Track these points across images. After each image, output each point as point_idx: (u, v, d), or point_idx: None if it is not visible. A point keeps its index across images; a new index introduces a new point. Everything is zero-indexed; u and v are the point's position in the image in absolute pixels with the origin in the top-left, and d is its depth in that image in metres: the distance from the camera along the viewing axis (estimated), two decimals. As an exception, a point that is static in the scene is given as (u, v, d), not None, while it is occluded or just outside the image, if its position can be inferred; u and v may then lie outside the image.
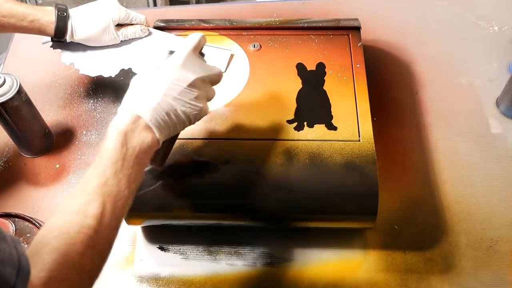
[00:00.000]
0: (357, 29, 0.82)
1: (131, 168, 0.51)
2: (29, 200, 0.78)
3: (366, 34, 0.87)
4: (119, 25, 0.81)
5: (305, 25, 0.84)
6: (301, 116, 0.71)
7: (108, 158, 0.50)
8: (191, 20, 0.86)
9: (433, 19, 1.00)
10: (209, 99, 0.60)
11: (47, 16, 0.76)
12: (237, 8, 1.08)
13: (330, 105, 0.72)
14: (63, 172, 0.81)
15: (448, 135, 0.82)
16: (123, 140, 0.51)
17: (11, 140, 0.82)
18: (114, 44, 0.82)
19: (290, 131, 0.70)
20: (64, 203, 0.48)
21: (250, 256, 0.71)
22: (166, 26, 0.85)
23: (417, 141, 0.82)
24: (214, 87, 0.61)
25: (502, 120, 0.84)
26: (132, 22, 0.81)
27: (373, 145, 0.67)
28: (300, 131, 0.70)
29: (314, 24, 0.84)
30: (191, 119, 0.57)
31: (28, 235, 0.70)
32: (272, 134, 0.69)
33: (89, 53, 0.82)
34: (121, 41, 0.82)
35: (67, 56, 0.82)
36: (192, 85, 0.56)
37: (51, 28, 0.76)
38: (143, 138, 0.52)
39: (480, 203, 0.74)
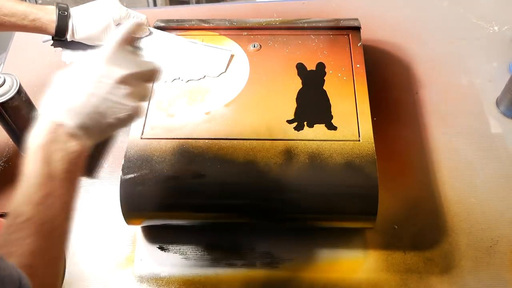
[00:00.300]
0: (357, 29, 0.82)
1: (62, 187, 0.45)
2: (29, 200, 0.78)
3: (366, 34, 0.87)
4: (120, 25, 0.81)
5: (305, 25, 0.84)
6: (301, 116, 0.71)
7: (32, 183, 0.44)
8: (191, 20, 0.86)
9: (433, 19, 1.00)
10: (143, 98, 0.53)
11: (48, 15, 0.76)
12: (237, 8, 1.08)
13: (330, 105, 0.72)
14: (63, 172, 0.81)
15: (448, 135, 0.82)
16: (45, 155, 0.44)
17: (11, 140, 0.82)
18: None
19: (290, 131, 0.70)
20: None
21: (250, 256, 0.71)
22: (166, 26, 0.85)
23: (417, 141, 0.82)
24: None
25: (502, 120, 0.84)
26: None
27: (373, 145, 0.67)
28: (300, 131, 0.70)
29: (314, 24, 0.84)
30: (121, 121, 0.50)
31: (28, 235, 0.70)
32: (272, 134, 0.69)
33: (90, 52, 0.82)
34: None
35: (67, 55, 0.83)
36: (121, 81, 0.49)
37: (52, 27, 0.77)
38: (69, 148, 0.46)
39: (480, 203, 0.74)
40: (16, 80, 0.74)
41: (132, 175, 0.67)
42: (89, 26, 0.78)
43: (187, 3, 1.88)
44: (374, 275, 0.69)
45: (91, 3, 0.81)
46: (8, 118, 0.75)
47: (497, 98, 0.86)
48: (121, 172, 0.67)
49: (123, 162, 0.68)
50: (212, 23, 0.85)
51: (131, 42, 0.53)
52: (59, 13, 0.76)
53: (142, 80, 0.52)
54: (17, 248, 0.41)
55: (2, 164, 0.83)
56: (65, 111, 0.47)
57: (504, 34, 0.97)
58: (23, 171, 0.45)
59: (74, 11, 0.78)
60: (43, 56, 0.98)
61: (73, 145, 0.46)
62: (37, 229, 0.42)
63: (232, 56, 0.80)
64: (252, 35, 0.83)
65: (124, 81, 0.50)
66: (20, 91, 0.74)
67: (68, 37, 0.78)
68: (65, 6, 0.78)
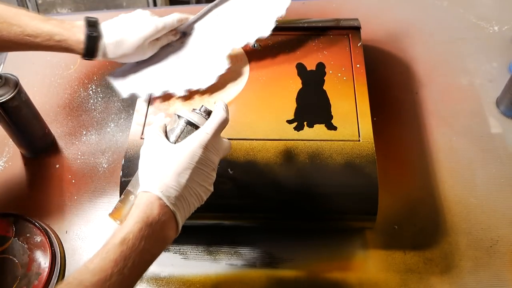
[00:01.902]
0: (357, 29, 0.82)
1: (141, 265, 0.48)
2: (29, 200, 0.78)
3: (366, 34, 0.87)
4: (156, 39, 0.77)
5: (305, 25, 0.84)
6: (301, 116, 0.71)
7: (123, 251, 0.46)
8: (191, 20, 0.86)
9: (433, 19, 1.00)
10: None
11: (76, 35, 0.70)
12: (237, 8, 1.07)
13: (330, 105, 0.72)
14: (63, 172, 0.81)
15: (448, 135, 0.82)
16: (147, 233, 0.48)
17: (11, 140, 0.82)
18: (154, 60, 0.78)
19: (290, 131, 0.70)
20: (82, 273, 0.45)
21: (250, 256, 0.71)
22: (166, 26, 0.85)
23: (417, 141, 0.82)
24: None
25: (502, 120, 0.84)
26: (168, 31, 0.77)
27: (373, 145, 0.67)
28: (300, 131, 0.70)
29: (314, 24, 0.84)
30: (202, 203, 0.55)
31: (28, 235, 0.70)
32: (272, 134, 0.69)
33: (140, 75, 0.77)
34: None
35: (124, 90, 0.78)
36: (213, 169, 0.54)
37: (80, 48, 0.70)
38: (167, 231, 0.50)
39: (480, 203, 0.74)
40: (16, 80, 0.74)
41: (132, 175, 0.66)
42: (122, 46, 0.72)
43: (187, 3, 1.88)
44: (374, 275, 0.69)
45: (122, 18, 0.74)
46: (8, 118, 0.75)
47: (497, 98, 0.86)
48: (121, 172, 0.67)
49: (123, 162, 0.68)
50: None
51: (223, 128, 0.56)
52: (87, 34, 0.70)
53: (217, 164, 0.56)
54: None
55: (2, 164, 0.84)
56: (172, 193, 0.50)
57: (504, 34, 0.97)
58: (119, 233, 0.47)
59: (104, 28, 0.71)
60: (43, 56, 0.98)
61: (172, 229, 0.51)
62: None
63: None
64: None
65: (215, 167, 0.54)
66: (20, 91, 0.74)
67: (99, 58, 0.73)
68: (94, 22, 0.71)
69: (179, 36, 0.80)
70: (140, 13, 0.75)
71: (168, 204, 0.49)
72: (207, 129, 0.54)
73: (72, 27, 0.70)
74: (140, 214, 0.48)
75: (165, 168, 0.51)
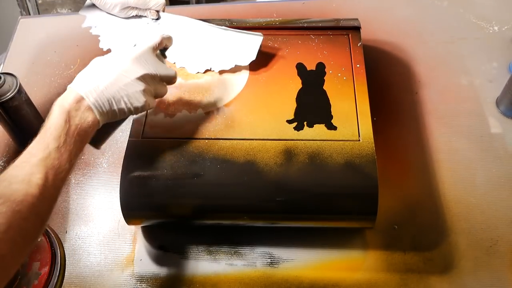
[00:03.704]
0: (357, 29, 0.82)
1: (73, 144, 0.55)
2: (29, 200, 0.78)
3: (366, 34, 0.87)
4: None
5: (305, 25, 0.84)
6: (301, 116, 0.71)
7: (51, 133, 0.54)
8: (191, 20, 0.86)
9: (433, 19, 1.00)
10: (158, 95, 0.65)
11: None
12: (237, 8, 1.08)
13: (330, 105, 0.72)
14: (63, 172, 0.81)
15: (448, 135, 0.82)
16: (67, 117, 0.55)
17: (11, 140, 0.82)
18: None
19: (290, 131, 0.70)
20: (8, 172, 0.51)
21: (250, 256, 0.71)
22: (166, 26, 0.85)
23: (417, 141, 0.82)
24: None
25: (502, 120, 0.84)
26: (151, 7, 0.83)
27: (373, 145, 0.67)
28: (300, 131, 0.70)
29: (314, 24, 0.84)
30: (132, 110, 0.61)
31: (28, 235, 0.70)
32: (272, 134, 0.69)
33: (125, 47, 0.80)
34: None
35: (105, 42, 0.83)
36: (140, 78, 0.61)
37: None
38: (85, 118, 0.57)
39: (480, 203, 0.74)
40: (16, 80, 0.74)
41: (132, 175, 0.67)
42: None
43: (187, 3, 1.88)
44: (374, 275, 0.69)
45: None
46: (8, 118, 0.75)
47: (497, 98, 0.86)
48: (121, 172, 0.67)
49: (123, 162, 0.68)
50: (213, 23, 0.85)
51: (160, 47, 0.66)
52: None
53: (159, 81, 0.65)
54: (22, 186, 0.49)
55: (2, 164, 0.83)
56: (90, 90, 0.58)
57: (504, 34, 0.97)
58: (46, 123, 0.56)
59: None
60: (43, 56, 0.98)
61: (89, 116, 0.57)
62: (46, 170, 0.51)
63: (261, 40, 0.78)
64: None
65: (142, 78, 0.61)
66: (20, 91, 0.74)
67: None
68: None
69: (156, 16, 0.85)
70: None
71: (84, 97, 0.57)
72: (138, 46, 0.63)
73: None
74: (58, 104, 0.57)
75: (92, 73, 0.60)
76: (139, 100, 0.61)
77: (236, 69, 0.78)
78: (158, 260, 0.72)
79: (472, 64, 0.92)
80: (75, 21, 1.08)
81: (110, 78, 0.59)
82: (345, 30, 0.82)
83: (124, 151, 0.69)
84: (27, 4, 1.81)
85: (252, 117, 0.72)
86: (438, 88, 0.89)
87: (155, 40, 0.65)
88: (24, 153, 0.53)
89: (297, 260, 0.71)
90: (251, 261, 0.71)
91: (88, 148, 0.83)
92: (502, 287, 0.67)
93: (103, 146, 0.83)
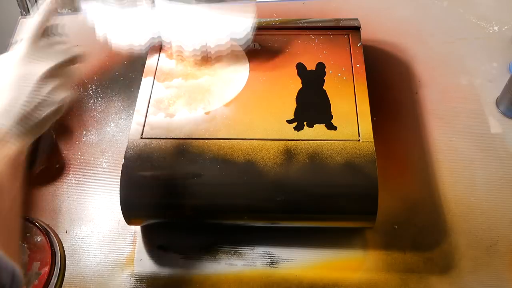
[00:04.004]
0: (357, 29, 0.82)
1: (4, 195, 0.43)
2: (29, 200, 0.78)
3: (366, 34, 0.87)
4: None
5: (305, 25, 0.84)
6: (301, 116, 0.71)
7: None
8: (191, 20, 0.86)
9: (433, 19, 1.00)
10: (69, 85, 0.53)
11: None
12: (237, 8, 1.07)
13: (330, 105, 0.72)
14: (63, 172, 0.81)
15: (448, 135, 0.82)
16: None
17: (11, 140, 0.82)
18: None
19: (290, 131, 0.70)
20: None
21: (250, 256, 0.71)
22: (166, 26, 0.85)
23: (417, 141, 0.82)
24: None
25: (502, 120, 0.84)
26: None
27: (373, 145, 0.67)
28: (300, 131, 0.70)
29: (314, 24, 0.84)
30: (54, 115, 0.51)
31: (28, 235, 0.70)
32: (272, 134, 0.69)
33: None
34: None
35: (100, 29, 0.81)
36: (43, 78, 0.50)
37: None
38: (2, 153, 0.45)
39: (480, 203, 0.74)
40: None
41: (132, 175, 0.67)
42: None
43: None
44: (374, 275, 0.69)
45: None
46: (8, 118, 0.75)
47: (497, 98, 0.86)
48: (121, 172, 0.67)
49: (123, 162, 0.68)
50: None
51: (46, 32, 0.53)
52: None
53: (67, 67, 0.53)
54: None
55: (2, 164, 0.83)
56: None
57: (504, 34, 0.97)
58: None
59: None
60: (43, 56, 0.98)
61: (5, 150, 0.45)
62: None
63: (255, 7, 0.76)
64: (252, 35, 0.83)
65: (46, 77, 0.50)
66: (20, 91, 0.73)
67: None
68: None
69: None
70: None
71: None
72: (22, 41, 0.51)
73: None
74: None
75: None
76: (54, 100, 0.50)
77: (235, 69, 0.78)
78: (158, 260, 0.72)
79: (472, 64, 0.92)
80: (75, 21, 1.08)
81: (8, 95, 0.47)
82: (345, 30, 0.82)
83: (124, 151, 0.69)
84: (27, 4, 1.81)
85: (252, 117, 0.72)
86: (438, 88, 0.89)
87: (32, 27, 0.52)
88: None
89: (297, 260, 0.71)
90: (251, 261, 0.71)
91: (88, 148, 0.84)
92: (502, 287, 0.67)
93: (103, 148, 0.83)
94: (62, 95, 0.52)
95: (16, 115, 0.47)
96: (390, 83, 0.90)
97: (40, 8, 0.52)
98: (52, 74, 0.51)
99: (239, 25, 0.76)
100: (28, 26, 0.51)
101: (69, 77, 0.54)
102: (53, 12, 0.54)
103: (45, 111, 0.49)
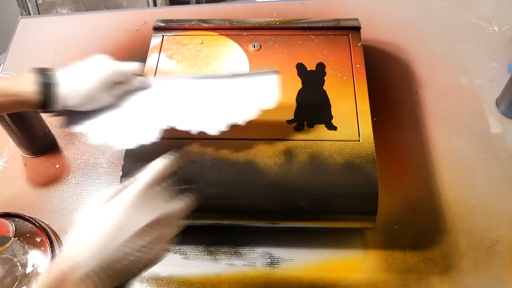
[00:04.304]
0: (357, 29, 0.82)
1: None
2: (29, 200, 0.78)
3: (366, 34, 0.87)
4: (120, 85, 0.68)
5: (305, 25, 0.84)
6: (301, 116, 0.71)
7: None
8: (191, 20, 0.86)
9: (433, 19, 1.00)
10: (169, 239, 0.50)
11: (29, 85, 0.62)
12: (237, 8, 1.08)
13: (330, 105, 0.72)
14: (63, 172, 0.81)
15: (448, 135, 0.82)
16: None
17: (11, 140, 0.82)
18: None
19: (290, 131, 0.70)
20: None
21: (250, 256, 0.71)
22: (166, 26, 0.85)
23: (417, 141, 0.82)
24: None
25: (502, 120, 0.84)
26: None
27: (373, 145, 0.67)
28: (300, 131, 0.70)
29: (314, 24, 0.84)
30: (139, 268, 0.47)
31: (28, 235, 0.70)
32: (272, 134, 0.69)
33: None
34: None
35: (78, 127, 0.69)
36: (143, 230, 0.47)
37: (35, 97, 0.62)
38: None
39: (480, 203, 0.74)
40: (16, 80, 0.73)
41: (132, 175, 0.66)
42: (79, 91, 0.64)
43: (187, 3, 1.88)
44: (374, 275, 0.69)
45: (77, 64, 0.66)
46: (8, 118, 0.75)
47: (497, 98, 0.86)
48: (121, 172, 0.67)
49: (123, 162, 0.68)
50: (212, 23, 0.85)
51: (163, 178, 0.51)
52: (41, 82, 0.62)
53: (170, 221, 0.50)
54: None
55: (2, 164, 0.84)
56: (76, 260, 0.44)
57: (504, 34, 0.97)
58: None
59: (59, 75, 0.64)
60: (43, 56, 0.98)
61: None
62: None
63: (279, 74, 0.70)
64: (252, 35, 0.83)
65: (147, 229, 0.47)
66: (20, 91, 0.73)
67: (57, 106, 0.64)
68: (46, 69, 0.64)
69: (145, 86, 0.71)
70: (98, 57, 0.68)
71: (72, 269, 0.44)
72: (132, 186, 0.48)
73: (24, 79, 0.63)
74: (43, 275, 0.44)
75: (82, 234, 0.47)
76: (148, 253, 0.47)
77: (236, 69, 0.78)
78: (158, 260, 0.72)
79: (472, 64, 0.92)
80: (75, 21, 1.08)
81: (103, 238, 0.45)
82: (345, 30, 0.82)
83: (124, 151, 0.69)
84: (27, 4, 1.81)
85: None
86: (438, 88, 0.89)
87: (154, 171, 0.50)
88: None
89: (297, 260, 0.71)
90: (251, 261, 0.71)
91: (88, 148, 0.84)
92: (502, 287, 0.67)
93: (103, 148, 0.83)
94: (155, 250, 0.48)
95: (103, 262, 0.44)
96: (390, 83, 0.90)
97: (165, 159, 0.51)
98: (154, 226, 0.48)
99: (266, 94, 0.68)
100: (149, 169, 0.50)
101: (170, 231, 0.50)
102: (171, 166, 0.51)
103: (133, 263, 0.46)
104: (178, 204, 0.51)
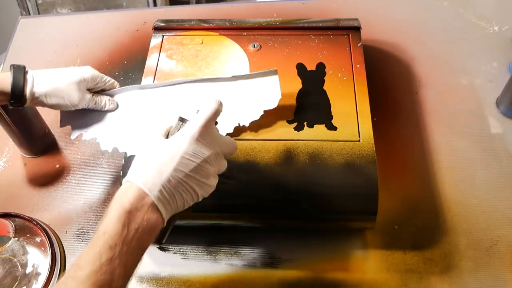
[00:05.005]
0: (357, 29, 0.82)
1: (130, 254, 0.46)
2: (29, 200, 0.78)
3: (366, 34, 0.87)
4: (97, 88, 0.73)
5: (305, 25, 0.84)
6: (301, 116, 0.71)
7: (106, 241, 0.45)
8: (191, 20, 0.86)
9: (433, 19, 1.00)
10: (219, 172, 0.56)
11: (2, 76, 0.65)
12: (237, 8, 1.08)
13: (330, 105, 0.72)
14: (63, 172, 0.81)
15: (448, 135, 0.82)
16: (126, 220, 0.46)
17: (11, 140, 0.82)
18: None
19: (290, 131, 0.70)
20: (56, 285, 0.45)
21: (250, 256, 0.71)
22: (166, 26, 0.85)
23: (417, 141, 0.82)
24: None
25: (502, 120, 0.84)
26: (104, 87, 0.73)
27: (373, 145, 0.67)
28: (300, 131, 0.70)
29: (314, 24, 0.84)
30: (199, 197, 0.53)
31: (28, 235, 0.70)
32: (272, 134, 0.69)
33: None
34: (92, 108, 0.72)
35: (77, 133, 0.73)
36: (206, 161, 0.52)
37: (7, 83, 0.64)
38: (148, 219, 0.48)
39: (480, 203, 0.74)
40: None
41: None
42: (53, 79, 0.67)
43: (187, 3, 1.88)
44: (374, 275, 0.69)
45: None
46: (8, 118, 0.75)
47: (497, 98, 0.86)
48: (121, 172, 0.67)
49: (123, 162, 0.68)
50: (212, 23, 0.85)
51: (216, 118, 0.55)
52: (13, 67, 0.65)
53: (222, 157, 0.55)
54: None
55: (2, 164, 0.84)
56: (153, 183, 0.49)
57: (504, 34, 0.97)
58: (101, 226, 0.47)
59: (34, 72, 0.67)
60: (43, 56, 0.98)
61: (153, 217, 0.48)
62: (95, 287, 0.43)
63: (278, 77, 0.71)
64: (252, 35, 0.83)
65: (209, 160, 0.52)
66: (20, 91, 0.73)
67: (28, 93, 0.65)
68: (19, 65, 0.66)
69: (114, 107, 0.73)
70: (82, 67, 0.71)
71: (147, 192, 0.48)
72: (195, 121, 0.53)
73: None
74: (116, 202, 0.48)
75: (150, 160, 0.51)
76: (208, 186, 0.53)
77: (235, 70, 0.78)
78: (158, 260, 0.72)
79: (472, 64, 0.92)
80: (75, 21, 1.08)
81: (172, 165, 0.50)
82: (345, 30, 0.82)
83: (124, 151, 0.69)
84: (27, 4, 1.81)
85: (252, 117, 0.72)
86: (438, 88, 0.89)
87: (211, 110, 0.54)
88: (73, 264, 0.45)
89: (297, 260, 0.71)
90: (251, 261, 0.71)
91: (88, 148, 0.84)
92: (502, 287, 0.67)
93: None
94: (213, 183, 0.54)
95: (171, 188, 0.50)
96: (390, 83, 0.90)
97: (216, 100, 0.55)
98: (213, 160, 0.53)
99: (269, 95, 0.70)
100: (206, 108, 0.54)
101: (221, 167, 0.55)
102: (220, 108, 0.55)
103: (197, 193, 0.52)
104: (229, 142, 0.56)
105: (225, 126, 0.69)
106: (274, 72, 0.71)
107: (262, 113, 0.70)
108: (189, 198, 0.52)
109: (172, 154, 0.51)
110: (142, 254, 0.49)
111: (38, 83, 0.66)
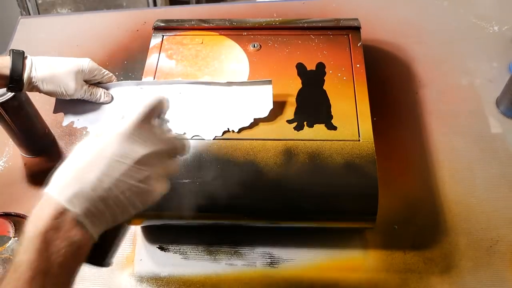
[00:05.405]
0: (357, 29, 0.82)
1: (54, 285, 0.39)
2: (29, 200, 0.78)
3: (366, 34, 0.87)
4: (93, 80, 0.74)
5: (305, 25, 0.84)
6: (301, 116, 0.71)
7: (22, 275, 0.38)
8: (191, 20, 0.86)
9: (433, 19, 1.00)
10: (169, 175, 0.48)
11: (1, 61, 0.66)
12: (237, 8, 1.08)
13: (330, 105, 0.72)
14: (63, 172, 0.81)
15: (448, 135, 0.82)
16: (42, 245, 0.39)
17: (11, 140, 0.82)
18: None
19: (290, 131, 0.70)
20: None
21: (250, 256, 0.71)
22: (166, 26, 0.85)
23: (417, 141, 0.82)
24: None
25: (502, 120, 0.84)
26: (102, 79, 0.74)
27: (373, 145, 0.67)
28: (300, 131, 0.70)
29: (314, 24, 0.84)
30: (138, 205, 0.45)
31: (28, 235, 0.70)
32: (272, 134, 0.69)
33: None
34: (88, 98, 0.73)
35: (69, 119, 0.74)
36: (140, 162, 0.44)
37: (6, 71, 0.65)
38: (72, 238, 0.40)
39: (480, 203, 0.74)
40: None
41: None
42: (51, 66, 0.67)
43: (187, 3, 1.88)
44: (374, 275, 0.69)
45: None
46: (8, 118, 0.75)
47: (497, 98, 0.86)
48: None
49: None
50: (212, 23, 0.85)
51: (156, 114, 0.48)
52: (13, 52, 0.65)
53: (167, 157, 0.48)
54: None
55: (2, 164, 0.84)
56: (72, 195, 0.41)
57: (504, 34, 0.97)
58: (16, 256, 0.39)
59: (33, 58, 0.68)
60: (43, 56, 0.98)
61: (77, 234, 0.40)
62: None
63: (272, 87, 0.72)
64: (252, 35, 0.83)
65: (143, 161, 0.44)
66: (20, 91, 0.73)
67: (25, 77, 0.66)
68: (19, 51, 0.67)
69: (109, 100, 0.74)
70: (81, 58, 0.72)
71: (66, 206, 0.41)
72: (126, 117, 0.46)
73: None
74: (29, 224, 0.41)
75: (70, 166, 0.43)
76: (148, 191, 0.45)
77: (235, 69, 0.78)
78: (158, 260, 0.72)
79: (472, 64, 0.92)
80: (75, 21, 1.08)
81: (98, 170, 0.42)
82: (345, 30, 0.82)
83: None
84: (27, 4, 1.81)
85: (252, 117, 0.72)
86: (438, 88, 0.89)
87: (147, 105, 0.47)
88: None
89: (297, 260, 0.71)
90: (251, 261, 0.71)
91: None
92: (502, 287, 0.67)
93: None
94: (152, 188, 0.45)
95: (95, 198, 0.42)
96: (390, 83, 0.90)
97: (153, 96, 0.48)
98: (149, 160, 0.45)
99: (261, 104, 0.71)
100: (135, 105, 0.47)
101: (167, 168, 0.48)
102: (164, 103, 0.49)
103: (132, 200, 0.44)
104: (175, 142, 0.49)
105: (214, 129, 0.70)
106: (269, 82, 0.72)
107: (252, 121, 0.70)
108: (123, 207, 0.44)
109: (96, 156, 0.43)
110: (72, 280, 0.41)
111: (36, 68, 0.67)
